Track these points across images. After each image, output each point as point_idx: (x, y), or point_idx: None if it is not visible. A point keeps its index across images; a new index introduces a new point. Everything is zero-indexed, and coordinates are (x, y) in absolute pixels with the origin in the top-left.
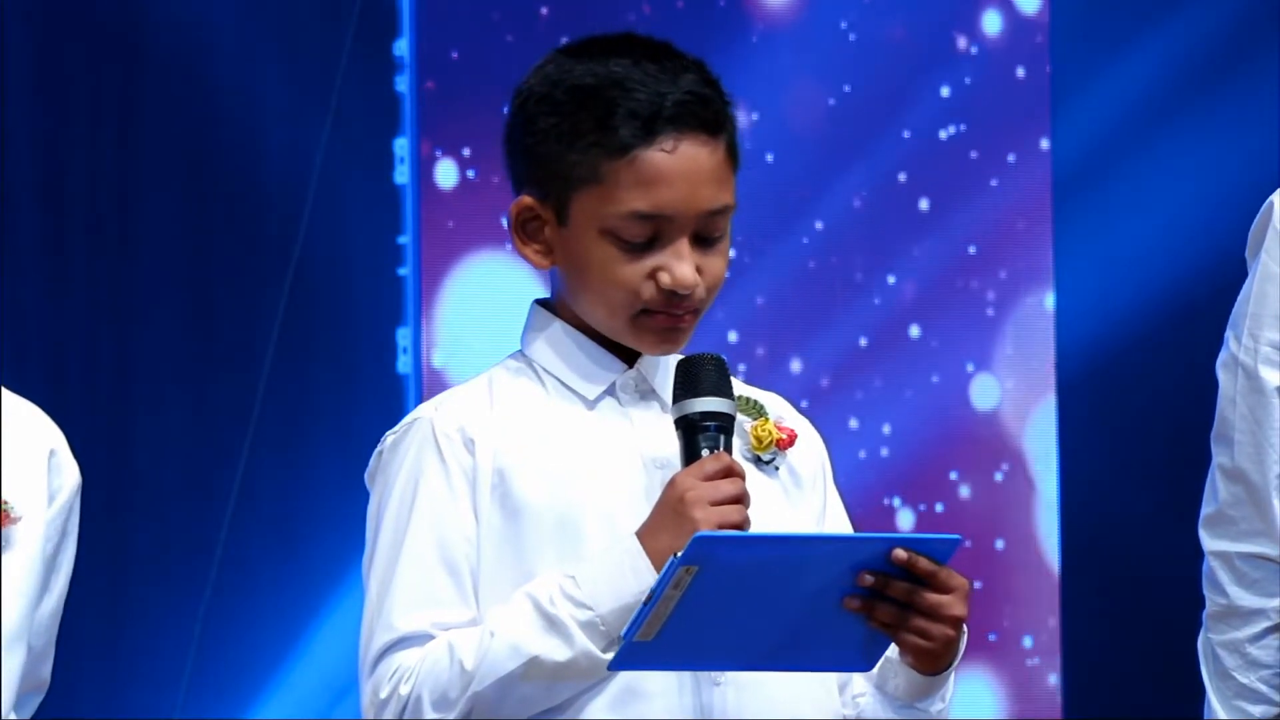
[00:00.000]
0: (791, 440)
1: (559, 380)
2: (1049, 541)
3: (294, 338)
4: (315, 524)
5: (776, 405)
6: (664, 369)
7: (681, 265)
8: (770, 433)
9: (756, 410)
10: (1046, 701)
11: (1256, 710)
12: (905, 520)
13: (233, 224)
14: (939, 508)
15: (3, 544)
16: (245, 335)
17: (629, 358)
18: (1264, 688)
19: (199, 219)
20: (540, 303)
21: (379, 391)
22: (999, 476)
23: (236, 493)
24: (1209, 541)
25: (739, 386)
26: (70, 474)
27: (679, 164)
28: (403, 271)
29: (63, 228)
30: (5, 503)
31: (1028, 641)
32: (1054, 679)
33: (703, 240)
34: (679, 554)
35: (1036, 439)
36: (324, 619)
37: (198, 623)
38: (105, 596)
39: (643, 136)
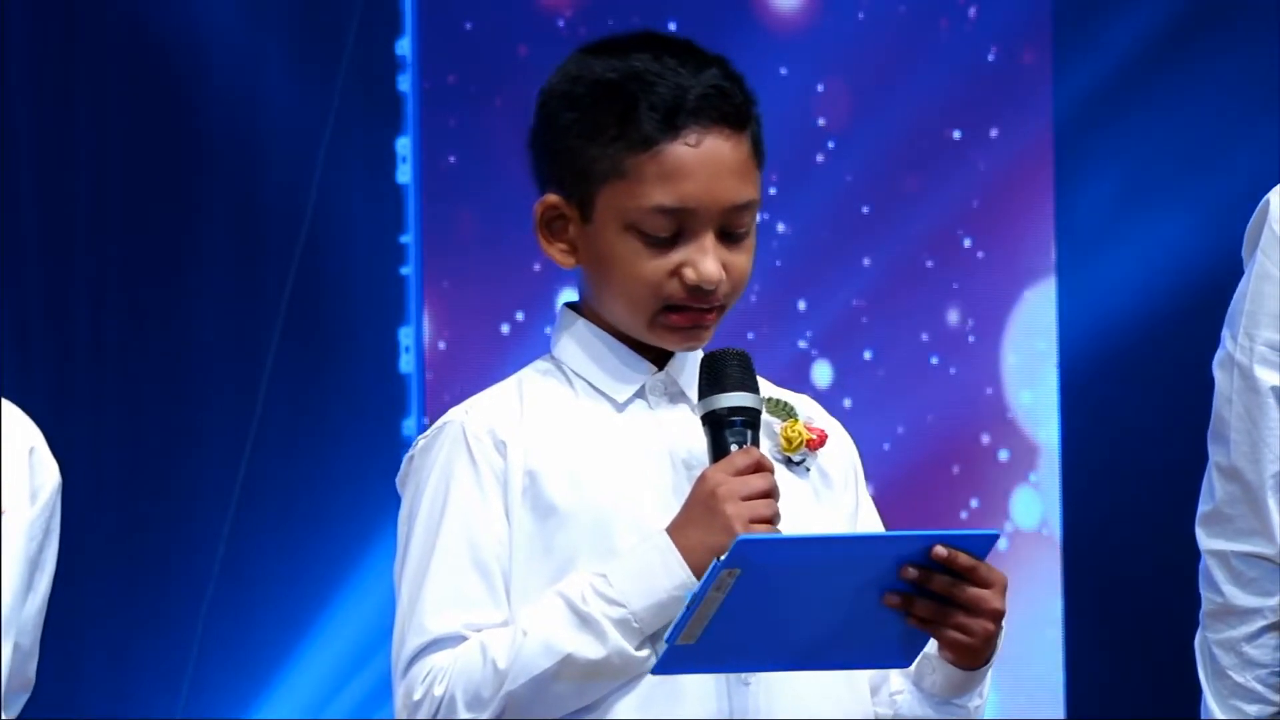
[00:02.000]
0: (822, 441)
1: (588, 382)
2: (1051, 539)
3: (296, 336)
4: (317, 523)
5: (806, 406)
6: (693, 370)
7: (706, 260)
8: (800, 434)
9: (786, 412)
10: (1048, 700)
11: (1252, 709)
12: (905, 515)
13: (236, 223)
14: (940, 502)
15: None
16: (248, 334)
17: (658, 360)
18: (1260, 687)
19: (202, 218)
20: (569, 305)
21: (381, 390)
22: (999, 471)
23: (239, 492)
24: (1205, 540)
25: (769, 388)
26: (50, 473)
27: (702, 157)
28: (405, 270)
29: (65, 227)
30: None
31: (1029, 640)
32: (1055, 678)
33: (728, 236)
34: (721, 558)
35: (1038, 435)
36: (326, 619)
37: (200, 623)
38: (108, 597)
39: (666, 130)
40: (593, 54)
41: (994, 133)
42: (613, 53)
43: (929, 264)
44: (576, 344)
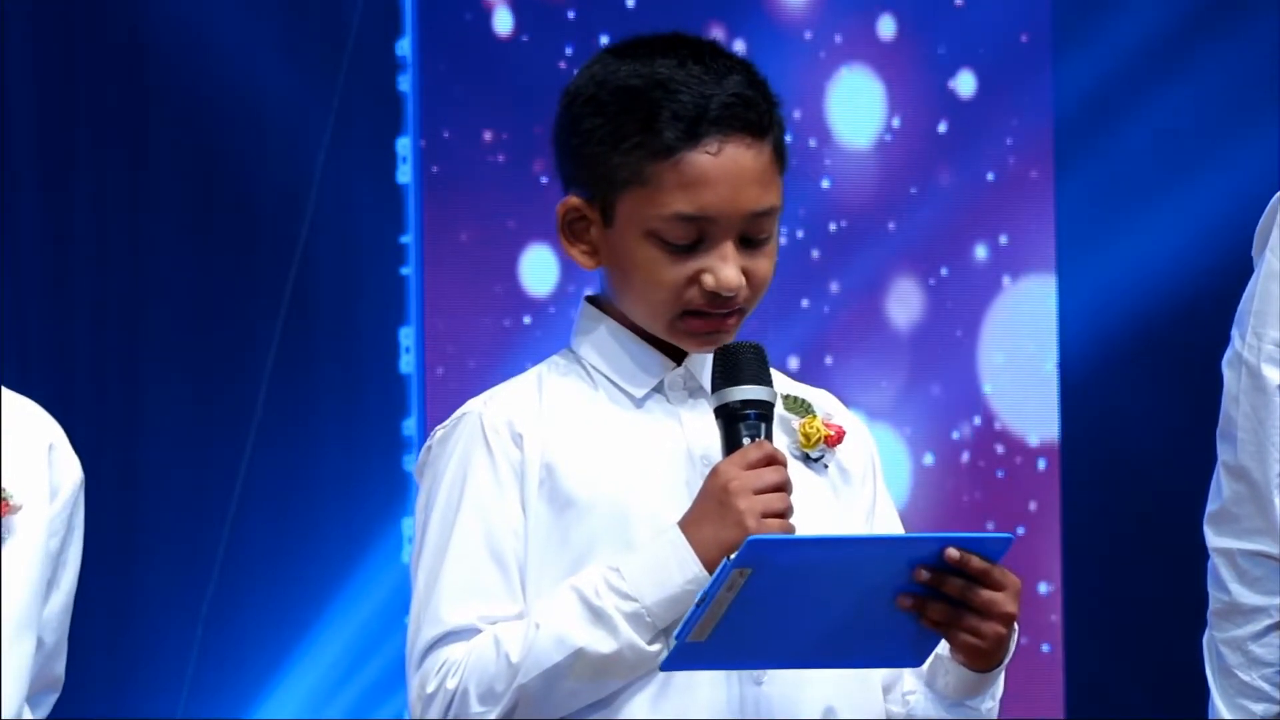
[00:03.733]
0: (840, 437)
1: (607, 377)
2: (1051, 540)
3: (297, 337)
4: (317, 523)
5: (825, 402)
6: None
7: (726, 268)
8: (818, 430)
9: (804, 408)
10: (1047, 701)
11: (1259, 708)
12: (906, 514)
13: (236, 224)
14: (942, 500)
15: (2, 532)
16: (248, 334)
17: (677, 355)
18: (1266, 686)
19: (202, 219)
20: (590, 299)
21: (381, 391)
22: (1001, 473)
23: (239, 492)
24: (1212, 539)
25: (787, 384)
26: (72, 469)
27: (723, 166)
28: (405, 271)
29: (67, 226)
30: (4, 491)
31: (1029, 641)
32: (1055, 678)
33: (749, 242)
34: (732, 557)
35: (1038, 438)
36: (326, 619)
37: (200, 623)
38: (108, 596)
39: (687, 139)
40: (618, 57)
41: (992, 124)
42: (638, 57)
43: (925, 264)
44: (596, 339)
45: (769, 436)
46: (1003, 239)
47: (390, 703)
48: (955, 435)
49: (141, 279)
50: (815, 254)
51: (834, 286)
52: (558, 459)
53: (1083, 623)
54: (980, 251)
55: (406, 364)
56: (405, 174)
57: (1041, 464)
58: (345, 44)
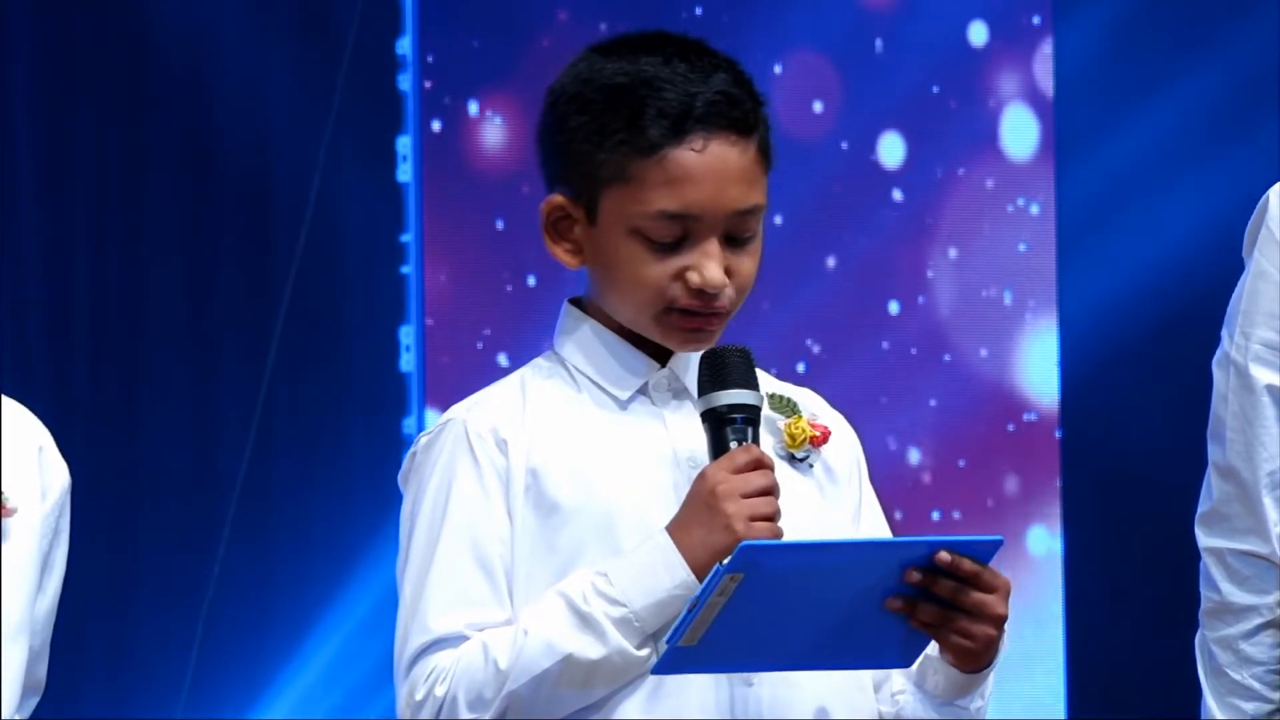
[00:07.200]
0: (825, 437)
1: (591, 380)
2: (1052, 543)
3: (297, 335)
4: (318, 523)
5: (810, 402)
6: (696, 367)
7: (710, 265)
8: (803, 430)
9: (789, 408)
10: (1048, 701)
11: (1249, 707)
12: (905, 514)
13: (236, 222)
14: (943, 513)
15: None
16: (248, 333)
17: (661, 357)
18: (1257, 685)
19: (203, 217)
20: (573, 301)
21: (382, 390)
22: (1000, 474)
23: (239, 492)
24: (1203, 538)
25: (772, 383)
26: (59, 472)
27: (708, 163)
28: (405, 269)
29: (67, 224)
30: (1, 494)
31: (1029, 640)
32: (1055, 678)
33: (733, 240)
34: (724, 563)
35: (1039, 442)
36: (327, 619)
37: (200, 623)
38: (108, 597)
39: (672, 136)
40: (603, 55)
41: (995, 150)
42: (623, 55)
43: (927, 264)
44: (579, 341)
45: (756, 440)
46: (1001, 239)
47: (392, 703)
48: (954, 436)
49: (141, 278)
50: (810, 239)
51: (831, 309)
52: (543, 464)
53: (1083, 623)
54: (978, 253)
55: (406, 363)
56: (405, 173)
57: (1042, 466)
58: (345, 43)
